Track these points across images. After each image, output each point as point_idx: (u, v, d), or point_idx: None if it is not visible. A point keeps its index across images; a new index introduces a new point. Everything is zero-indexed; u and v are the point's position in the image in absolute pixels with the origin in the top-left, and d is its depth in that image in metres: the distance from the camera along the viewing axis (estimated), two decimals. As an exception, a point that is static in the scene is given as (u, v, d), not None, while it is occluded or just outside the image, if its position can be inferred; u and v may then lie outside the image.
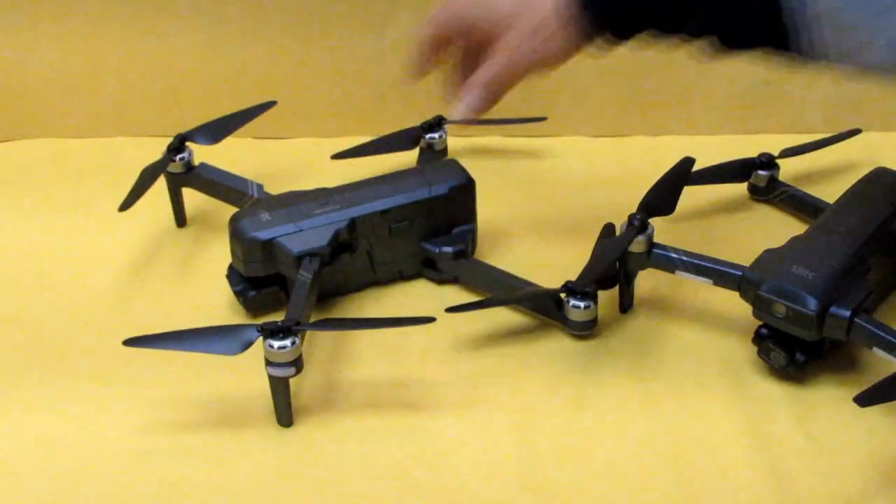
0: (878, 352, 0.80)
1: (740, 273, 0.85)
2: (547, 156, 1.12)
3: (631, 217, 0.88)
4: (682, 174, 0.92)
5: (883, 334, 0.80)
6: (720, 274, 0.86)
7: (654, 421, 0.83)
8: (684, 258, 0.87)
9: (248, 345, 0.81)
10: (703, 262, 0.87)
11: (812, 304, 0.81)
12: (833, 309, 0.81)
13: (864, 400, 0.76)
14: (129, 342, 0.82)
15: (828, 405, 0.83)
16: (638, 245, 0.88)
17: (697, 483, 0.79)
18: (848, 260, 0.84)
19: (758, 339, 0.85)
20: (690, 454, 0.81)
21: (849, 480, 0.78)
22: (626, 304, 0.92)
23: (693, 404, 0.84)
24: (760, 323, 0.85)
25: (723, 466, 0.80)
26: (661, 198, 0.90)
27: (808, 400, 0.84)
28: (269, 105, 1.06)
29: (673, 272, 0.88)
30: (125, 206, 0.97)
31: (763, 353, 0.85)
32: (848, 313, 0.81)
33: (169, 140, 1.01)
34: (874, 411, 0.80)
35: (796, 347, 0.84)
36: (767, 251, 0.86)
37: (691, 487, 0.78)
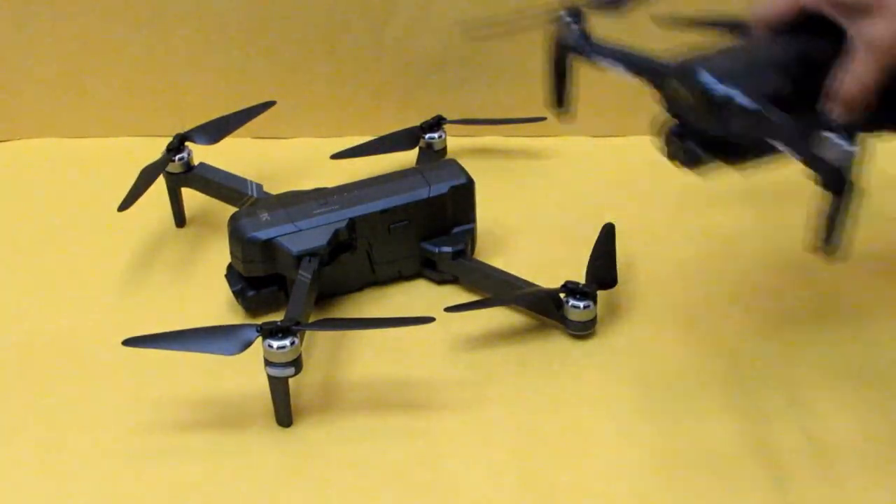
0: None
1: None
2: (547, 156, 1.12)
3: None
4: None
5: None
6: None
7: (654, 421, 0.83)
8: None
9: (248, 345, 0.81)
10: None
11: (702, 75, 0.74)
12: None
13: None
14: (129, 342, 0.82)
15: (828, 405, 0.83)
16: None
17: (697, 483, 0.79)
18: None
19: (667, 139, 0.80)
20: (690, 454, 0.81)
21: (849, 480, 0.78)
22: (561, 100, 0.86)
23: (693, 404, 0.84)
24: None
25: (722, 467, 0.80)
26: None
27: (807, 401, 0.84)
28: (268, 105, 1.06)
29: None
30: (124, 206, 0.97)
31: (671, 153, 0.79)
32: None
33: (169, 140, 1.01)
34: (874, 412, 0.80)
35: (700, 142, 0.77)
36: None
37: (691, 487, 0.78)
